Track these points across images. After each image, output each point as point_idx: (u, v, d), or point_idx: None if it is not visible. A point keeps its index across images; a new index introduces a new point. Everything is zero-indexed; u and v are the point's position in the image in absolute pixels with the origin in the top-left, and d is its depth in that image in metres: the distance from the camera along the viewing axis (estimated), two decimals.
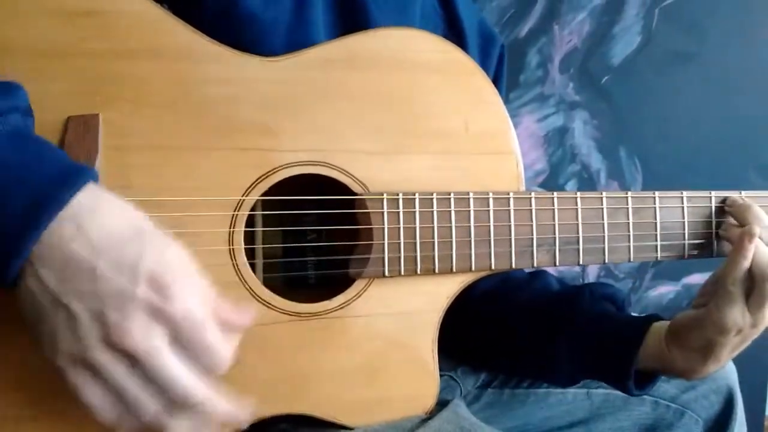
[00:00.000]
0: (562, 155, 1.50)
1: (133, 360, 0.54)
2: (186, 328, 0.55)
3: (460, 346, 0.96)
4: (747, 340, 0.79)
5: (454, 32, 0.88)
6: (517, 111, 1.44)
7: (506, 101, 0.79)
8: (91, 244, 0.53)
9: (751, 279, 0.76)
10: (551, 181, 1.49)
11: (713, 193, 0.83)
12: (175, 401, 0.55)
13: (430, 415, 0.75)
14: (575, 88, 1.48)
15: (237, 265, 0.68)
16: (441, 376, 0.79)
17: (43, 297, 0.53)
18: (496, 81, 0.93)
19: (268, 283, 0.70)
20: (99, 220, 0.54)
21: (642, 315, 0.87)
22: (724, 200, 0.83)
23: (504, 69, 0.96)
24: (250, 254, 0.71)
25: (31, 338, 0.55)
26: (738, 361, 1.01)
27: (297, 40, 0.72)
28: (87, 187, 0.54)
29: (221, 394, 0.57)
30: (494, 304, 0.94)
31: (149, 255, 0.54)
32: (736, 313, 0.76)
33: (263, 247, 0.74)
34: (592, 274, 1.56)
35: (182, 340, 0.55)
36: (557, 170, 1.50)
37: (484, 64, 0.90)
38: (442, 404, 0.78)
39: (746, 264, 0.76)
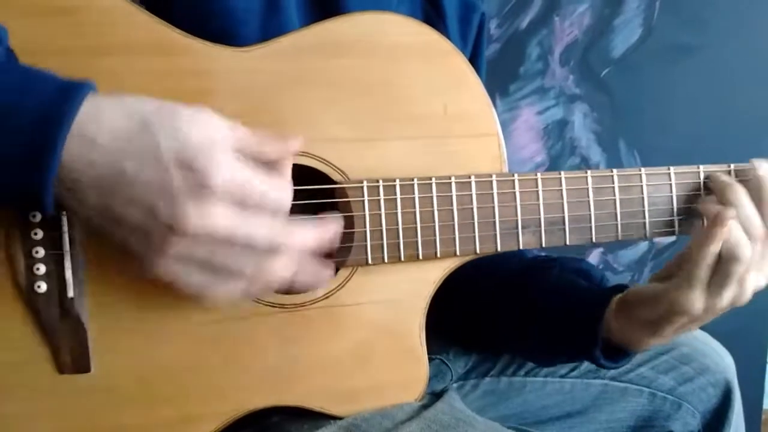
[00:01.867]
0: (562, 148, 1.49)
1: (205, 238, 0.56)
2: (234, 191, 0.56)
3: (447, 326, 0.95)
4: (696, 324, 0.78)
5: (431, 3, 0.87)
6: (517, 103, 1.44)
7: (502, 83, 0.78)
8: (106, 150, 0.54)
9: (719, 258, 0.74)
10: None
11: (701, 168, 0.81)
12: (264, 252, 0.58)
13: (425, 405, 0.75)
14: (575, 81, 1.47)
15: None
16: (431, 360, 0.79)
17: (97, 217, 0.56)
18: (476, 49, 0.93)
19: None
20: (106, 125, 0.55)
21: (610, 285, 0.86)
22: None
23: (484, 38, 0.94)
24: None
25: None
26: (736, 355, 1.02)
27: (270, 28, 0.71)
28: (88, 98, 0.55)
29: (296, 225, 0.60)
30: (473, 280, 0.93)
31: (164, 140, 0.55)
32: (696, 296, 0.73)
33: None
34: None
35: (239, 201, 0.56)
36: (557, 163, 1.49)
37: (464, 33, 0.90)
38: (436, 395, 0.79)
39: (714, 249, 0.73)
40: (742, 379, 1.01)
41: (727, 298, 0.75)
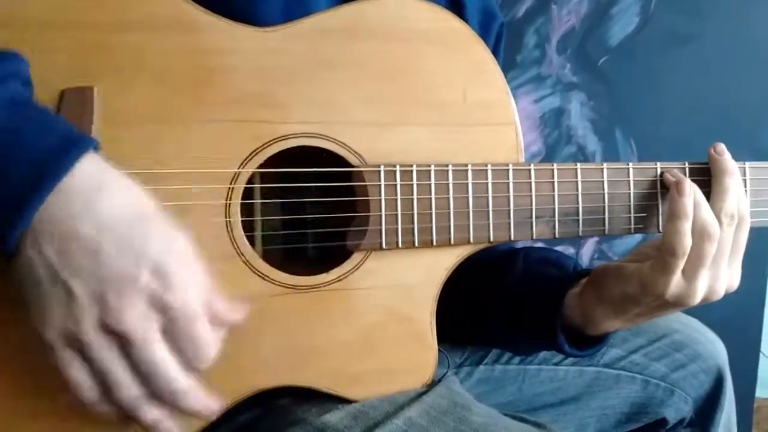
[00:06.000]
0: (558, 137, 1.50)
1: (124, 344, 0.55)
2: (180, 319, 0.56)
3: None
4: (664, 312, 0.77)
5: (454, 6, 0.87)
6: (514, 92, 1.41)
7: None
8: (98, 222, 0.54)
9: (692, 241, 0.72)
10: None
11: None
12: (156, 389, 0.57)
13: (425, 390, 0.75)
14: (572, 69, 1.48)
15: (233, 238, 0.68)
16: None
17: (42, 270, 0.54)
18: (494, 56, 0.93)
19: (267, 256, 0.70)
20: (107, 199, 0.55)
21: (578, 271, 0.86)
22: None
23: (501, 47, 0.95)
24: (248, 227, 0.71)
25: (23, 308, 0.56)
26: (730, 343, 1.03)
27: (293, 10, 0.71)
28: (88, 156, 0.55)
29: (199, 388, 0.59)
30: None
31: (155, 243, 0.55)
32: (670, 280, 0.72)
33: (261, 220, 0.74)
34: (586, 256, 1.57)
35: (173, 330, 0.56)
36: (553, 152, 1.50)
37: (483, 39, 0.90)
38: (435, 380, 0.79)
39: (683, 226, 0.72)
40: (735, 367, 1.03)
41: (701, 284, 0.73)
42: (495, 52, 0.94)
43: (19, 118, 0.55)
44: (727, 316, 1.30)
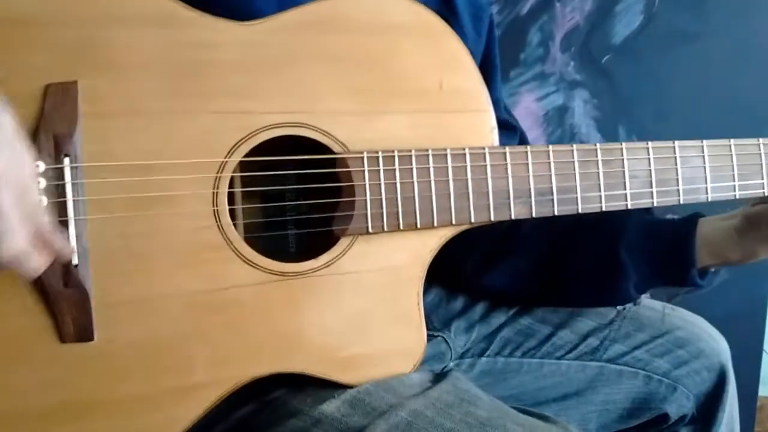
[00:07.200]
0: (562, 134, 1.50)
1: None
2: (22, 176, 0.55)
3: (504, 286, 0.97)
4: None
5: (445, 3, 0.88)
6: (517, 89, 1.44)
7: (503, 69, 0.81)
8: None
9: None
10: None
11: (677, 143, 0.83)
12: None
13: (430, 385, 0.76)
14: (576, 67, 1.48)
15: (222, 226, 0.69)
16: (434, 337, 0.80)
17: None
18: (490, 44, 0.95)
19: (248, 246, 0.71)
20: None
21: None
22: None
23: (495, 34, 0.97)
24: (232, 216, 0.71)
25: None
26: (733, 341, 1.02)
27: (287, 4, 0.72)
28: None
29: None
30: (544, 234, 0.95)
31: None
32: None
33: (243, 208, 0.75)
34: None
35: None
36: None
37: (477, 29, 0.92)
38: (441, 375, 0.79)
39: None
40: (738, 365, 1.02)
41: None
42: (491, 38, 0.96)
43: None
44: (731, 314, 1.29)
